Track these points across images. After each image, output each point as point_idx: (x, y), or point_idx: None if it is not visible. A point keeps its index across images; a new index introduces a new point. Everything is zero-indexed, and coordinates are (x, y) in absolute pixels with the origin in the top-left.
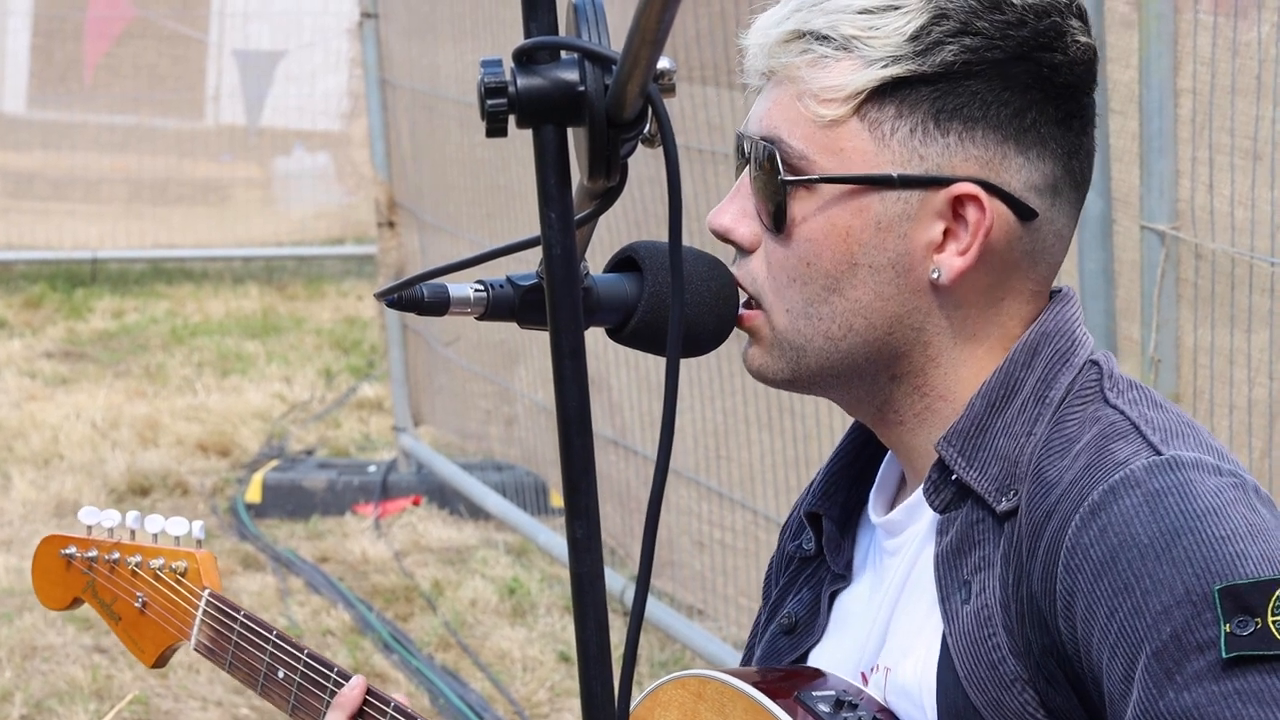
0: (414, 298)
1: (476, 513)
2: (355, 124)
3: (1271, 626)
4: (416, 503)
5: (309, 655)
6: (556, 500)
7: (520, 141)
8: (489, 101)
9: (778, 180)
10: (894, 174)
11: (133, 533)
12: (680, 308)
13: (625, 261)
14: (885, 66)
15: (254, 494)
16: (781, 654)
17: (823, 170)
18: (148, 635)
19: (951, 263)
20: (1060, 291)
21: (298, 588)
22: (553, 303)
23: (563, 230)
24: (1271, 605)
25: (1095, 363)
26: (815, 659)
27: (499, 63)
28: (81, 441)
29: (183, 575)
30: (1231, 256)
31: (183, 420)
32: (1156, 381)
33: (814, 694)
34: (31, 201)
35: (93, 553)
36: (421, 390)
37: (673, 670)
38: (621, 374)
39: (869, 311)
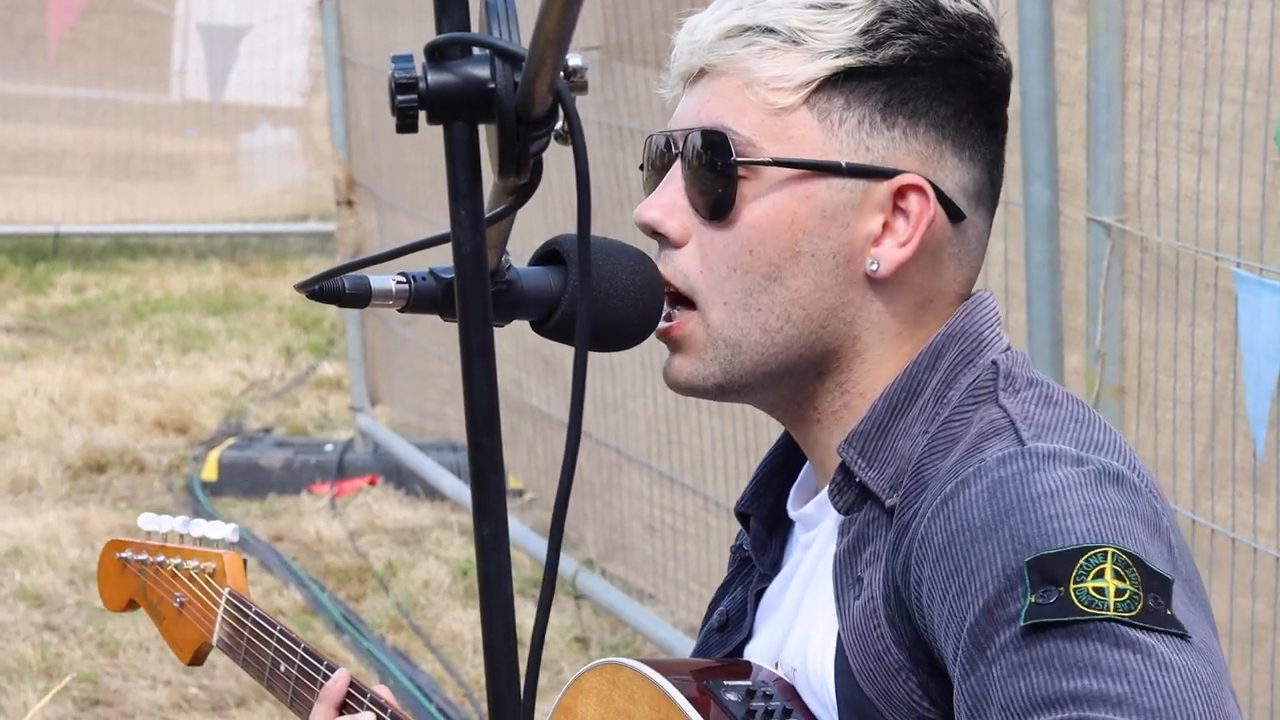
0: (335, 289)
1: (432, 493)
2: (316, 101)
3: (1072, 594)
4: (373, 483)
5: (304, 649)
6: (513, 482)
7: None
8: (399, 97)
9: (725, 164)
10: (842, 162)
11: (181, 537)
12: (588, 304)
13: (550, 255)
14: (838, 57)
15: (210, 472)
16: (712, 651)
17: (769, 156)
18: (184, 634)
19: (891, 254)
20: (975, 294)
21: (251, 567)
22: (462, 301)
23: (472, 227)
24: (1074, 573)
25: (995, 363)
26: (747, 654)
27: (410, 58)
28: (38, 417)
29: (211, 576)
30: (1176, 250)
31: (141, 397)
32: (1102, 373)
33: (725, 683)
34: None
35: (144, 556)
36: (379, 370)
37: (623, 654)
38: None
39: (807, 302)
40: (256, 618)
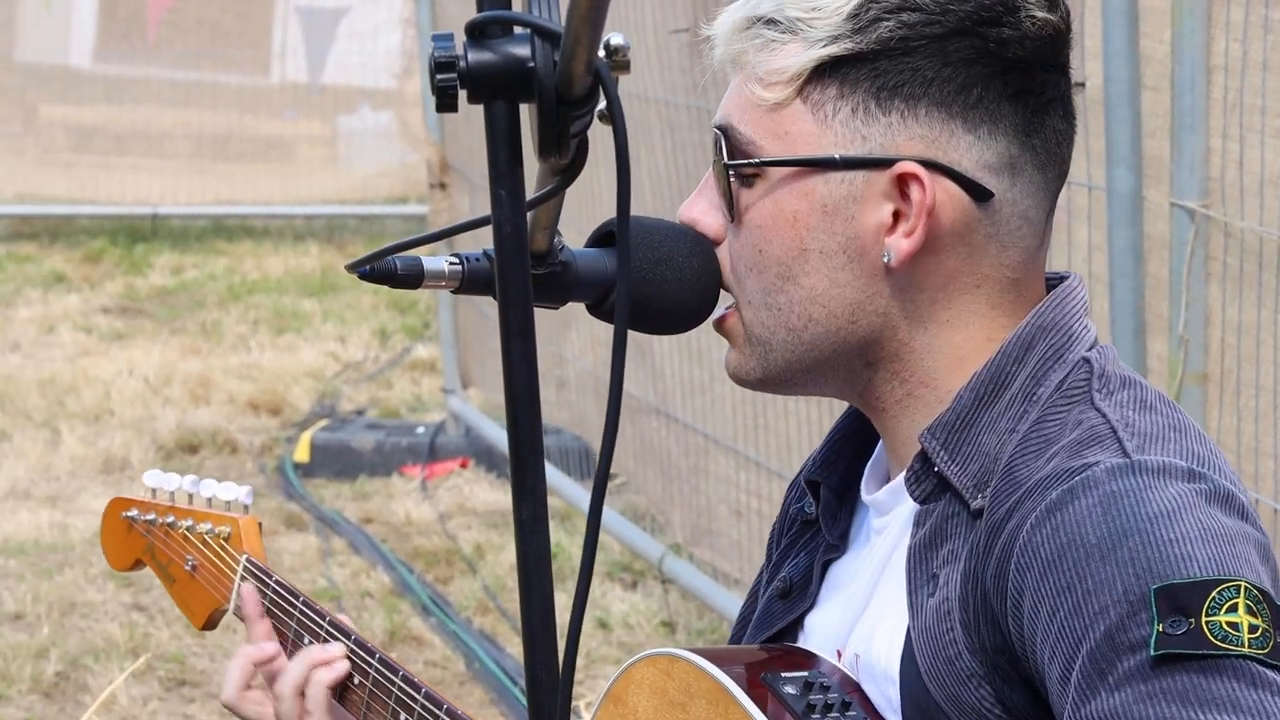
0: (387, 270)
1: None
2: (410, 83)
3: (1204, 627)
4: (464, 465)
5: (330, 622)
6: None
7: None
8: (438, 76)
9: (726, 165)
10: (836, 155)
11: (190, 497)
12: (626, 286)
13: (607, 236)
14: (824, 46)
15: (302, 453)
16: (775, 618)
17: (767, 154)
18: (197, 598)
19: (899, 245)
20: (1065, 280)
21: (340, 548)
22: (502, 281)
23: (513, 207)
24: (1207, 606)
25: (1087, 360)
26: (809, 624)
27: (450, 36)
28: (133, 398)
29: (226, 540)
30: (1260, 235)
31: (235, 378)
32: (1185, 360)
33: (782, 675)
34: (94, 155)
35: (151, 515)
36: (471, 352)
37: (710, 639)
38: (664, 339)
39: (826, 299)
40: (277, 586)
